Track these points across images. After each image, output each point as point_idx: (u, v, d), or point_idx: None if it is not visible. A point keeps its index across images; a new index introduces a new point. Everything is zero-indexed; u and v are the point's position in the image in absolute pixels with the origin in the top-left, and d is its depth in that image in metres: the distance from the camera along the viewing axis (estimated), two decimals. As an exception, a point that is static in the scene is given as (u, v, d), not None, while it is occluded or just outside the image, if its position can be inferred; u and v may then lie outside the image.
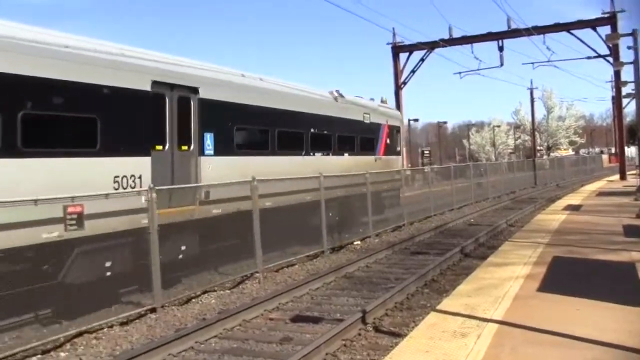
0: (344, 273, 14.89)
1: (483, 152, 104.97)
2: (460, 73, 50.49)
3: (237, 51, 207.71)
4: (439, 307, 9.66)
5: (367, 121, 24.42)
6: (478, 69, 48.31)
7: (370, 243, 20.35)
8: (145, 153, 12.85)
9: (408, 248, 18.98)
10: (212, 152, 14.79)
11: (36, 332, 10.51)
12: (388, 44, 51.36)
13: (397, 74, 51.56)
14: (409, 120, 64.93)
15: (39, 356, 9.30)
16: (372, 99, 26.60)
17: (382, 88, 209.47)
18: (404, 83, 51.60)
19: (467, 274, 12.92)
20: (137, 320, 11.10)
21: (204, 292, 13.07)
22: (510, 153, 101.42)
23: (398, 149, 28.26)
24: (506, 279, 11.10)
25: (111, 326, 10.64)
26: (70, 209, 10.75)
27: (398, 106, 52.25)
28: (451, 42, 47.25)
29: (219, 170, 14.76)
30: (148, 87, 13.02)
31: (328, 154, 21.13)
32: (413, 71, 51.23)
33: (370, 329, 10.15)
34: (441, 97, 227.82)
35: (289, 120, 18.57)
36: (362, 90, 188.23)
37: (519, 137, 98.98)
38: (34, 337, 10.06)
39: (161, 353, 8.97)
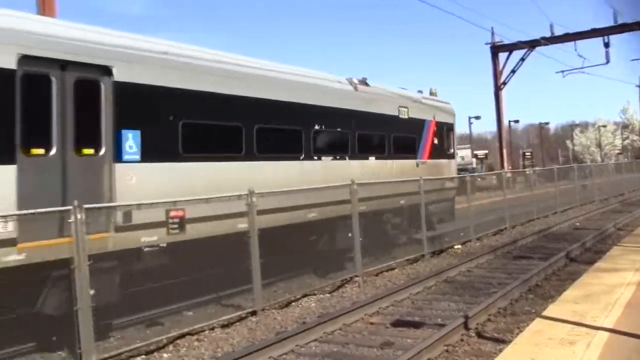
0: (445, 277, 14.70)
1: (588, 153, 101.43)
2: (562, 72, 49.05)
3: (322, 54, 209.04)
4: (544, 313, 9.37)
5: (403, 116, 19.62)
6: (582, 67, 46.88)
7: (471, 247, 19.98)
8: (5, 159, 9.09)
9: (510, 252, 18.52)
10: (137, 156, 10.78)
11: (140, 333, 10.89)
12: (487, 43, 50.59)
13: (496, 74, 50.60)
14: (509, 121, 63.40)
15: (143, 356, 9.55)
16: (420, 91, 22.11)
17: (479, 89, 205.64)
18: (504, 83, 50.55)
19: (573, 279, 12.48)
20: (237, 323, 11.24)
21: (304, 296, 13.17)
22: (618, 154, 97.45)
23: (451, 150, 23.23)
24: (616, 286, 10.63)
25: (212, 328, 10.82)
26: (172, 213, 10.86)
27: (498, 107, 51.34)
28: (553, 40, 45.93)
29: (151, 182, 10.93)
30: (12, 64, 9.22)
31: (343, 158, 16.59)
32: (513, 71, 50.14)
33: (473, 334, 9.96)
34: (543, 97, 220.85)
35: (277, 113, 14.20)
36: (458, 93, 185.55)
37: (627, 137, 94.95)
38: (138, 337, 10.41)
39: (262, 356, 9.05)
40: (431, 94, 22.63)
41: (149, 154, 10.94)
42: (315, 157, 15.43)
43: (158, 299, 11.78)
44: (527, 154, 68.48)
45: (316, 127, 15.54)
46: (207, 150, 12.38)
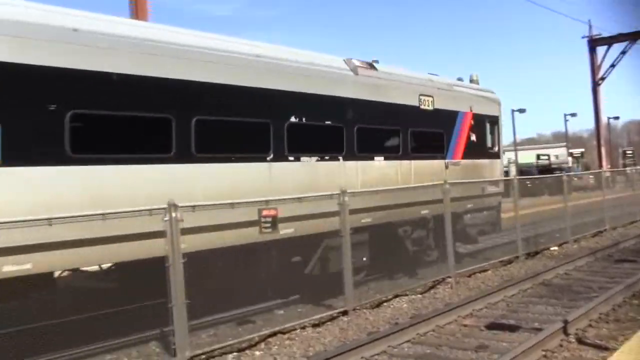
0: (541, 280, 14.20)
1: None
2: (667, 65, 46.76)
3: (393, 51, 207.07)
4: (652, 320, 8.89)
5: (426, 107, 15.98)
6: (689, 59, 44.47)
7: (568, 249, 19.33)
8: None
9: (611, 255, 17.73)
10: None
11: (232, 331, 11.04)
12: (584, 37, 48.80)
13: (594, 69, 48.81)
14: (609, 118, 60.91)
15: (235, 354, 9.62)
16: (459, 79, 18.67)
17: (576, 85, 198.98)
18: (602, 78, 48.65)
19: (685, 285, 11.80)
20: (329, 323, 11.22)
21: (395, 296, 13.02)
22: None
23: (495, 148, 19.15)
24: None
25: (303, 327, 10.83)
26: (264, 212, 10.79)
27: (596, 103, 49.46)
28: (657, 31, 43.81)
29: (15, 193, 8.19)
30: None
31: (335, 159, 13.27)
32: (613, 65, 48.10)
33: (573, 340, 9.52)
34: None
35: (228, 101, 11.08)
36: (552, 89, 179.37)
37: None
38: (230, 335, 10.54)
39: (354, 356, 8.97)
40: (471, 80, 19.30)
41: (15, 155, 8.18)
42: (292, 158, 12.19)
43: (250, 298, 11.93)
44: (627, 152, 65.60)
45: (293, 119, 12.25)
46: (112, 150, 9.37)
